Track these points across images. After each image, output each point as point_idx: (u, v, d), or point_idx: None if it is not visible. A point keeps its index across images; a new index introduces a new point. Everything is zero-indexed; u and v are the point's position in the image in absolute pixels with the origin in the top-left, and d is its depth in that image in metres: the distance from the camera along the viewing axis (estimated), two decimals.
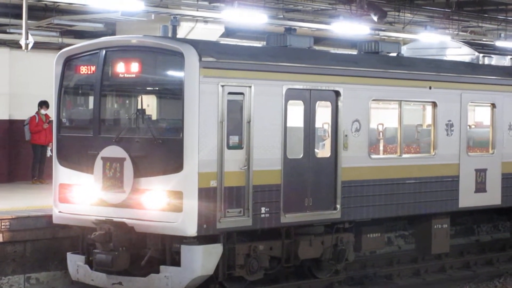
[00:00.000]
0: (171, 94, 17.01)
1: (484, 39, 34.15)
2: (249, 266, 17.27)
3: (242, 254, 17.11)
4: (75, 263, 17.39)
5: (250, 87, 16.86)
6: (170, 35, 17.56)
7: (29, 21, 22.34)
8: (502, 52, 23.95)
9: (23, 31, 22.06)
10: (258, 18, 25.51)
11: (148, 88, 17.59)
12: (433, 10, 29.65)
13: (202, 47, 16.50)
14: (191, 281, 16.29)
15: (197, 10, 26.14)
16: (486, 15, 31.24)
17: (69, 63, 17.75)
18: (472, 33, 33.42)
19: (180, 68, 16.26)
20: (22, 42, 22.10)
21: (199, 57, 16.14)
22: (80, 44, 18.28)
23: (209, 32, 27.02)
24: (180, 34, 25.80)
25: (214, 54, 16.53)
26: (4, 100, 26.48)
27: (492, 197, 21.81)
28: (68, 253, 17.64)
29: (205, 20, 27.05)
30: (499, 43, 32.95)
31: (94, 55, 17.40)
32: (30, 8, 22.66)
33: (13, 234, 17.78)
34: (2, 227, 17.68)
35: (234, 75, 16.69)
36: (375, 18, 26.95)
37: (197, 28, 26.99)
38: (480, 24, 31.62)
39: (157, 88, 17.59)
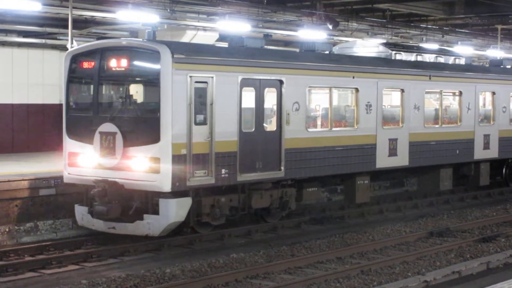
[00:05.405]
0: (151, 83, 16.35)
1: (410, 42, 33.83)
2: (214, 214, 16.81)
3: (208, 205, 16.66)
4: (81, 213, 16.92)
5: (212, 77, 16.26)
6: (152, 38, 16.88)
7: (73, 30, 22.26)
8: (409, 50, 23.40)
9: (69, 38, 21.87)
10: (243, 27, 25.40)
11: (134, 79, 16.95)
12: (373, 21, 29.37)
13: (175, 47, 15.90)
14: (167, 226, 15.86)
15: (198, 21, 26.21)
16: (412, 24, 31.09)
17: (74, 59, 17.13)
18: (402, 38, 33.11)
19: (157, 62, 15.69)
20: (68, 46, 21.79)
21: (171, 54, 15.55)
22: (83, 45, 17.63)
23: (207, 38, 26.83)
24: (185, 39, 26.13)
25: (184, 52, 15.91)
26: (55, 89, 26.18)
27: (402, 159, 21.32)
28: (75, 205, 17.13)
29: (204, 29, 27.00)
30: (422, 45, 32.47)
31: (93, 53, 16.80)
32: (74, 21, 22.68)
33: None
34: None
35: (199, 68, 16.08)
36: (330, 27, 26.70)
37: (198, 35, 26.88)
38: (408, 31, 31.41)
39: (140, 79, 17.00)
